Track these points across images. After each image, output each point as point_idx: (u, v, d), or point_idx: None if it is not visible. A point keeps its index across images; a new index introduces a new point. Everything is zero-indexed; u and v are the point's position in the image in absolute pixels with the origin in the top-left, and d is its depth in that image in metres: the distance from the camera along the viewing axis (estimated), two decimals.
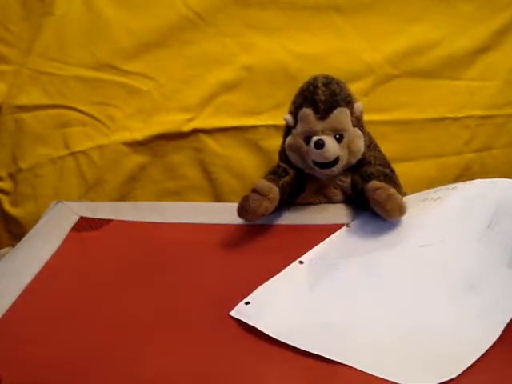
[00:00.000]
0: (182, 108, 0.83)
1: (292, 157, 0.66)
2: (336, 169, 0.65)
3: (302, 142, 0.65)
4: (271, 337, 0.43)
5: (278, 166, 0.68)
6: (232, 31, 0.81)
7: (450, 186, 0.60)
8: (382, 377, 0.39)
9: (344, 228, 0.60)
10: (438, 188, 0.61)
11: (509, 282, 0.45)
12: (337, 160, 0.64)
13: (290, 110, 0.67)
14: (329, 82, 0.65)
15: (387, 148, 0.84)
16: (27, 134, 0.81)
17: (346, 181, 0.67)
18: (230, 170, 0.84)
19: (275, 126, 0.82)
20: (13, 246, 0.72)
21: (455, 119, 0.84)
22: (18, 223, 0.82)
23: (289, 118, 0.66)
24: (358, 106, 0.66)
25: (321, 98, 0.63)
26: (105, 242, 0.63)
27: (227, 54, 0.82)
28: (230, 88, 0.83)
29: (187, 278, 0.54)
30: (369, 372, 0.39)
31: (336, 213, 0.65)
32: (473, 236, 0.51)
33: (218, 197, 0.85)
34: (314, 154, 0.63)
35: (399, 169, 0.85)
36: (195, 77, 0.82)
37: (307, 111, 0.64)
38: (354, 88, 0.82)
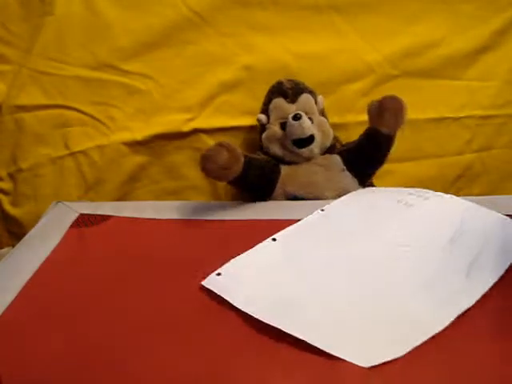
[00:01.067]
0: (182, 108, 0.83)
1: (271, 148, 0.72)
2: (314, 147, 0.71)
3: (278, 129, 0.72)
4: (272, 336, 0.43)
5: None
6: (232, 31, 0.81)
7: (424, 193, 0.64)
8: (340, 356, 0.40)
9: (318, 211, 0.62)
10: (414, 190, 0.64)
11: (462, 288, 0.48)
12: (312, 138, 0.70)
13: (261, 111, 0.75)
14: (291, 79, 0.75)
15: None
16: (27, 134, 0.81)
17: (329, 158, 0.72)
18: None
19: None
20: (13, 246, 0.72)
21: (455, 119, 0.84)
22: (18, 223, 0.82)
23: (262, 116, 0.74)
24: (321, 98, 0.74)
25: (287, 86, 0.73)
26: (104, 236, 0.63)
27: (227, 54, 0.82)
28: (230, 88, 0.83)
29: (184, 275, 0.54)
30: (329, 351, 0.41)
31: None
32: (436, 246, 0.54)
33: (217, 197, 0.85)
34: (293, 127, 0.69)
35: (399, 169, 0.85)
36: (195, 77, 0.82)
37: (278, 100, 0.72)
38: (354, 88, 0.83)
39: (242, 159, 0.66)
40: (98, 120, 0.82)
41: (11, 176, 0.82)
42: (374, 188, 0.72)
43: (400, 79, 0.83)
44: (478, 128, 0.85)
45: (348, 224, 0.60)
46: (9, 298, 0.51)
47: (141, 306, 0.50)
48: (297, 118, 0.69)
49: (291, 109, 0.71)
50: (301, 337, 0.42)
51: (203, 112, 0.83)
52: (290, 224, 0.64)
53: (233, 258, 0.53)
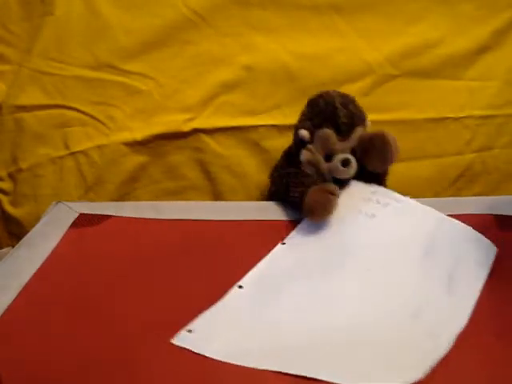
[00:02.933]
0: (182, 108, 0.83)
1: (309, 171, 0.68)
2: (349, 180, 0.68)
3: (320, 158, 0.67)
4: None
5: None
6: (232, 31, 0.81)
7: (384, 197, 0.63)
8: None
9: (279, 246, 0.60)
10: (374, 190, 0.64)
11: (449, 308, 0.47)
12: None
13: (304, 125, 0.68)
14: (346, 101, 0.67)
15: None
16: (27, 133, 0.81)
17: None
18: (229, 170, 0.84)
19: (275, 126, 0.82)
20: (13, 246, 0.72)
21: (455, 119, 0.84)
22: (18, 223, 0.82)
23: (305, 133, 0.67)
24: (369, 123, 0.69)
25: (342, 120, 0.66)
26: (104, 236, 0.63)
27: (227, 54, 0.82)
28: (230, 88, 0.83)
29: (184, 275, 0.54)
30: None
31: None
32: (411, 263, 0.53)
33: (217, 197, 0.85)
34: (339, 172, 0.66)
35: (399, 169, 0.84)
36: (195, 77, 0.82)
37: (329, 132, 0.66)
38: (354, 88, 0.83)
39: None
40: (98, 120, 0.82)
41: (11, 176, 0.82)
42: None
43: (400, 79, 0.83)
44: (478, 128, 0.85)
45: (314, 255, 0.57)
46: (9, 298, 0.51)
47: (140, 306, 0.50)
48: (345, 164, 0.66)
49: (340, 146, 0.67)
50: (312, 375, 0.40)
51: (203, 112, 0.83)
52: (290, 224, 0.64)
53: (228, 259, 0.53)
